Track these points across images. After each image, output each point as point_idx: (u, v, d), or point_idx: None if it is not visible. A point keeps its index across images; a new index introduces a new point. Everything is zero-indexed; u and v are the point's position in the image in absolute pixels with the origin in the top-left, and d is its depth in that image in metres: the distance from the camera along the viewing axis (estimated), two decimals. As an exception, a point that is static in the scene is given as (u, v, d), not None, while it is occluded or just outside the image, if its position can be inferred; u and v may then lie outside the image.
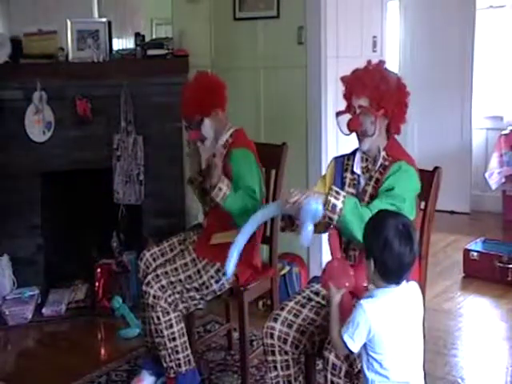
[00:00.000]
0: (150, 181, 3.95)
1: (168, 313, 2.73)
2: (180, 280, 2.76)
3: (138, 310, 3.62)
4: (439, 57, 5.82)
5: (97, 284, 3.88)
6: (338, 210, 2.11)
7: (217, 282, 2.77)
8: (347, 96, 2.34)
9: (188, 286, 2.77)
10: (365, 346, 1.87)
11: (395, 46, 6.08)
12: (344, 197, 2.15)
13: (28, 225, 3.96)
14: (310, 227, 2.07)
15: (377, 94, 2.25)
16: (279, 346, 2.26)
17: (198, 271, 2.77)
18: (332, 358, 2.02)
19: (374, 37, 4.12)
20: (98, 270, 3.90)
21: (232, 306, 3.14)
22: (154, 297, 2.72)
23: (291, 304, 2.34)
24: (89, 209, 4.12)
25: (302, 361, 2.35)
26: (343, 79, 2.37)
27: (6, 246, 3.92)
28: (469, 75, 5.68)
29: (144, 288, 2.75)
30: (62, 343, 3.52)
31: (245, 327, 2.81)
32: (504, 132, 5.51)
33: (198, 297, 2.80)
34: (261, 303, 3.69)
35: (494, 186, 5.47)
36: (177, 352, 2.76)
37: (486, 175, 5.46)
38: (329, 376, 2.03)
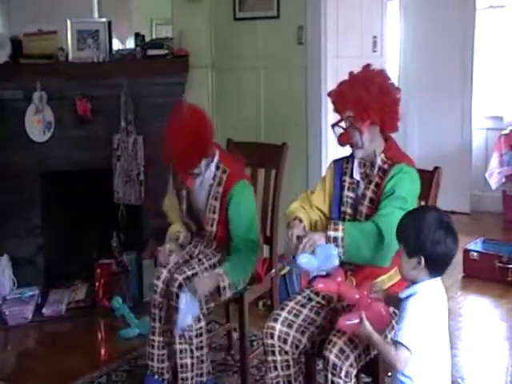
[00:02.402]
0: (150, 181, 3.95)
1: (200, 320, 2.64)
2: None
3: (138, 310, 3.64)
4: (439, 57, 5.81)
5: (97, 284, 3.88)
6: (340, 241, 2.13)
7: None
8: (335, 110, 2.35)
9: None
10: None
11: (395, 46, 6.08)
12: (343, 224, 2.18)
13: (28, 225, 3.97)
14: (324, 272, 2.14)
15: (360, 107, 2.24)
16: (279, 346, 2.26)
17: None
18: (332, 357, 2.02)
19: (374, 37, 4.12)
20: (98, 270, 3.89)
21: (232, 307, 3.14)
22: None
23: (291, 304, 2.33)
24: (89, 209, 4.12)
25: (302, 361, 2.35)
26: (329, 94, 2.37)
27: (6, 245, 3.92)
28: (469, 75, 5.66)
29: (181, 294, 2.57)
30: (61, 343, 3.51)
31: (245, 327, 2.81)
32: (504, 132, 5.51)
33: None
34: (261, 303, 3.68)
35: (494, 186, 5.46)
36: (202, 361, 2.69)
37: (486, 175, 5.45)
38: (329, 376, 2.03)
